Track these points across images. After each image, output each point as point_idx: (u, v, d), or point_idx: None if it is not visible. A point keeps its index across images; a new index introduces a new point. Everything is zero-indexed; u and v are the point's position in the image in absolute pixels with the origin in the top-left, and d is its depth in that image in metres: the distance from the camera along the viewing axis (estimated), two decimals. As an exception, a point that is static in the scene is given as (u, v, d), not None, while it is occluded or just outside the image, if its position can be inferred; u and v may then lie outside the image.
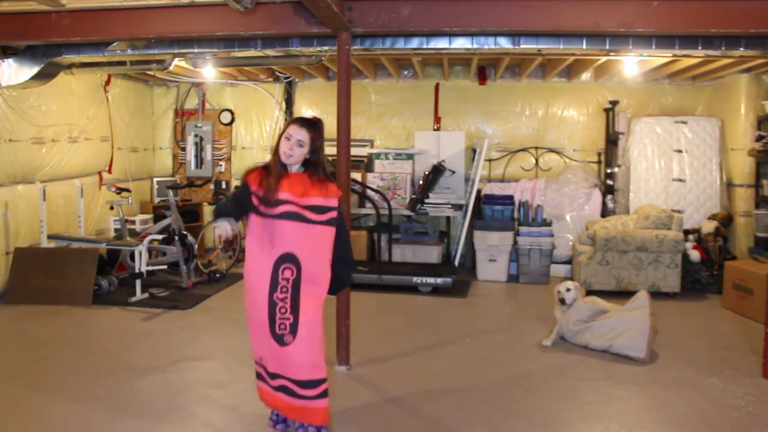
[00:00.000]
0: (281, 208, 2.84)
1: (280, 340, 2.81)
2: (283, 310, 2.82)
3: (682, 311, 5.72)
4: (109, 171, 7.54)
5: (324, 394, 2.81)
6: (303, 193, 2.88)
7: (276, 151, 2.94)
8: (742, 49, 4.62)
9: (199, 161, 8.49)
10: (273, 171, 2.91)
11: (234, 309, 5.74)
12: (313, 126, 2.95)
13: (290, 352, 2.80)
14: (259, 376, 2.99)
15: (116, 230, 7.26)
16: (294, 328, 2.80)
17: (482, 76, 7.80)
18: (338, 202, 2.95)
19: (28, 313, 5.47)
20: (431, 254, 7.20)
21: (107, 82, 7.43)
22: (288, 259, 2.83)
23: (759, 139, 6.53)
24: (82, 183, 6.89)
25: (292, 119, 3.04)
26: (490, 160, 7.97)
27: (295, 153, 2.89)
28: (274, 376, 2.88)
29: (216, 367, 4.22)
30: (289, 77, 8.12)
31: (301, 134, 2.89)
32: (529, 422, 3.39)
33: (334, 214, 2.91)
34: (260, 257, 2.86)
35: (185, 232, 6.54)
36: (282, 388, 2.85)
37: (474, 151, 7.70)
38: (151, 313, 5.52)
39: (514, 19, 4.14)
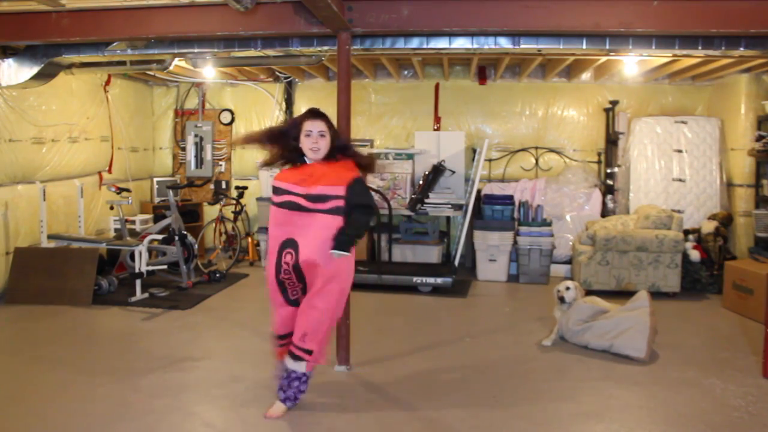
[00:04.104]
0: (282, 197, 3.12)
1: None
2: (292, 285, 3.25)
3: (682, 311, 5.72)
4: (109, 171, 7.54)
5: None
6: (307, 182, 3.05)
7: (289, 147, 3.16)
8: (742, 49, 4.62)
9: (199, 161, 8.49)
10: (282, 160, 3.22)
11: (234, 309, 5.74)
12: (324, 115, 3.15)
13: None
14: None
15: (116, 230, 7.26)
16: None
17: (482, 76, 7.80)
18: (346, 190, 3.07)
19: (28, 313, 5.47)
20: (431, 254, 7.20)
21: (107, 82, 7.43)
22: (289, 244, 3.12)
23: (759, 139, 6.53)
24: (82, 183, 6.89)
25: (301, 116, 3.17)
26: (490, 160, 7.97)
27: (321, 146, 3.08)
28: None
29: (216, 367, 4.21)
30: (289, 77, 8.12)
31: (319, 126, 3.08)
32: (529, 422, 3.39)
33: (340, 202, 3.06)
34: (271, 242, 3.21)
35: (185, 232, 6.54)
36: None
37: (474, 151, 7.70)
38: (151, 313, 5.52)
39: (514, 19, 4.14)
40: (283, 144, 3.20)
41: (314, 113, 3.15)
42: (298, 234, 3.12)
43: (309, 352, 3.26)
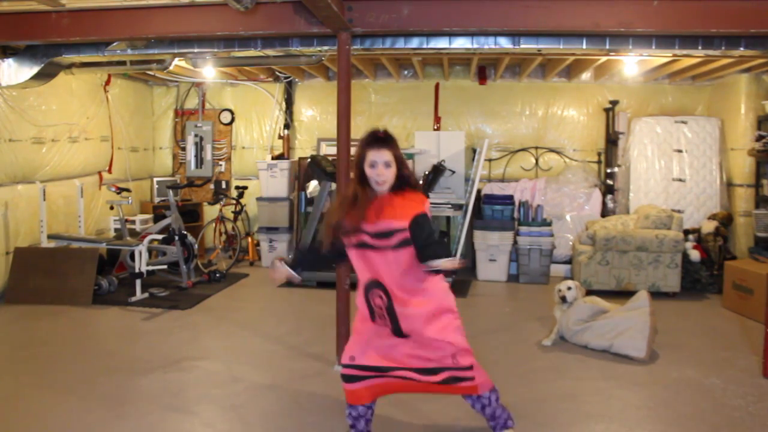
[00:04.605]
0: (359, 238, 2.75)
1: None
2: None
3: (682, 311, 5.72)
4: (109, 171, 7.54)
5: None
6: (374, 219, 2.72)
7: (358, 179, 2.78)
8: (742, 49, 4.61)
9: (199, 161, 8.49)
10: (361, 199, 2.75)
11: (234, 309, 5.74)
12: (390, 141, 2.78)
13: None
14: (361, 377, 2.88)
15: (116, 230, 7.26)
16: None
17: (482, 76, 7.80)
18: (409, 223, 2.68)
19: (28, 313, 5.47)
20: (431, 254, 7.18)
21: (107, 82, 7.43)
22: (375, 285, 2.78)
23: (759, 138, 6.53)
24: (82, 183, 6.89)
25: (363, 143, 2.80)
26: (490, 160, 7.97)
27: (387, 177, 2.73)
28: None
29: (216, 367, 4.22)
30: (289, 77, 8.12)
31: (384, 156, 2.72)
32: (529, 422, 3.39)
33: (406, 235, 2.69)
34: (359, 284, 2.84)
35: (185, 232, 6.54)
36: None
37: (474, 151, 7.70)
38: (151, 313, 5.52)
39: (514, 19, 4.14)
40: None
41: (378, 140, 2.75)
42: (381, 274, 2.78)
43: (469, 368, 2.85)
